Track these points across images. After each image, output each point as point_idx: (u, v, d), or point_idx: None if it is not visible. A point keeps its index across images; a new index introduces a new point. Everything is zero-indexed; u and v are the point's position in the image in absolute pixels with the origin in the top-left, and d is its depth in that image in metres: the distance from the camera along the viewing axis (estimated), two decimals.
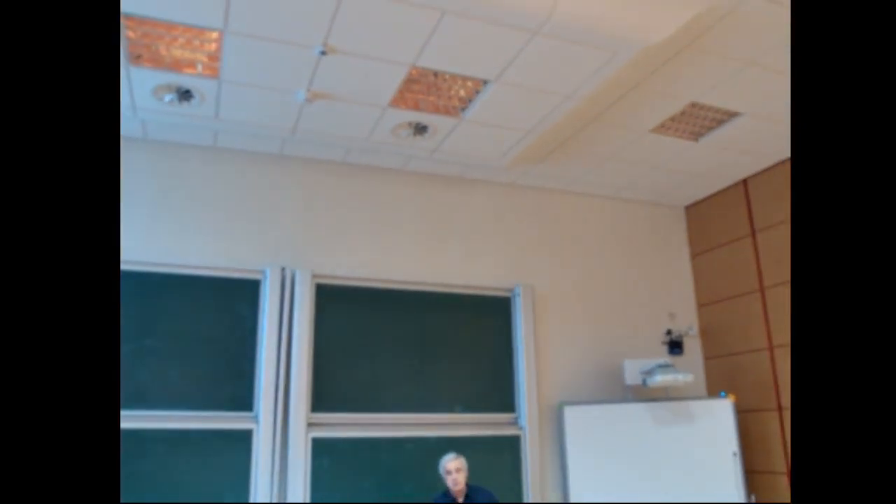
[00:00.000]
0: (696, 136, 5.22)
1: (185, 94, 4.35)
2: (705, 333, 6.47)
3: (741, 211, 6.15)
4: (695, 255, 6.68)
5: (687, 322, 6.31)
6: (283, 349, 4.96)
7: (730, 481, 5.44)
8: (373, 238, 5.56)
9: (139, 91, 4.29)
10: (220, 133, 5.01)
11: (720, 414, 5.66)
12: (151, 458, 4.51)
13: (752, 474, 5.72)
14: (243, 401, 4.84)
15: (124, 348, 4.59)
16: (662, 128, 5.09)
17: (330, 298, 5.22)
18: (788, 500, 5.52)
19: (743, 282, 6.07)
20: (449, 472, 4.33)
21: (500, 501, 4.46)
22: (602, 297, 6.22)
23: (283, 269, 5.11)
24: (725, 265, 6.29)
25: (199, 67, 4.07)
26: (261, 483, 4.68)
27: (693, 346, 6.35)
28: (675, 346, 6.02)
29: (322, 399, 5.00)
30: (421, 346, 5.43)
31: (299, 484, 4.77)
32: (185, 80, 4.21)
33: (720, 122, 5.01)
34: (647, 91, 4.57)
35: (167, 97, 4.36)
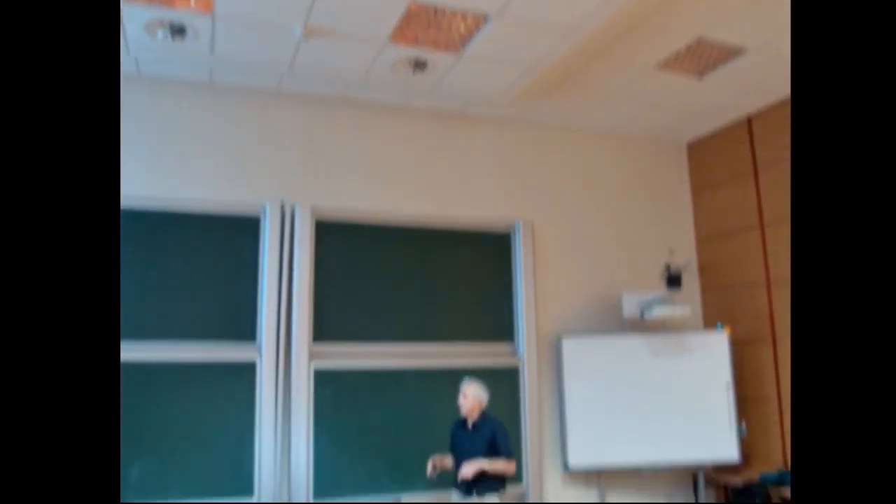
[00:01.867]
0: (700, 72, 5.12)
1: (178, 30, 4.26)
2: (704, 268, 6.51)
3: (744, 148, 6.09)
4: (696, 192, 6.65)
5: (686, 257, 6.34)
6: (285, 283, 5.02)
7: (722, 411, 5.59)
8: (373, 173, 5.54)
9: (131, 28, 4.20)
10: (215, 70, 4.93)
11: (715, 346, 5.76)
12: (157, 390, 4.63)
13: (744, 403, 5.86)
14: (246, 334, 4.93)
15: (126, 284, 4.62)
16: (667, 64, 4.99)
17: (330, 233, 5.25)
18: (778, 429, 5.68)
19: (743, 218, 6.07)
20: (459, 396, 4.48)
21: (503, 431, 4.53)
22: (602, 232, 6.24)
23: (282, 205, 5.12)
24: (726, 202, 6.27)
25: (192, 2, 3.97)
26: (265, 413, 4.81)
27: (691, 281, 6.40)
28: (674, 281, 6.06)
29: (323, 332, 5.09)
30: (421, 281, 5.49)
31: (302, 413, 4.90)
32: (177, 16, 4.11)
33: (726, 59, 4.90)
34: (652, 27, 4.46)
35: (160, 33, 4.27)
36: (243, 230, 5.05)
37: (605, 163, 6.38)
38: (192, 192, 4.98)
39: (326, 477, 4.89)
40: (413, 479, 4.99)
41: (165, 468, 4.54)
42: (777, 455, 5.66)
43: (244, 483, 4.69)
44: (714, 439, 5.54)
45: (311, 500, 4.78)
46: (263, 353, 4.88)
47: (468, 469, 4.21)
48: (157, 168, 4.94)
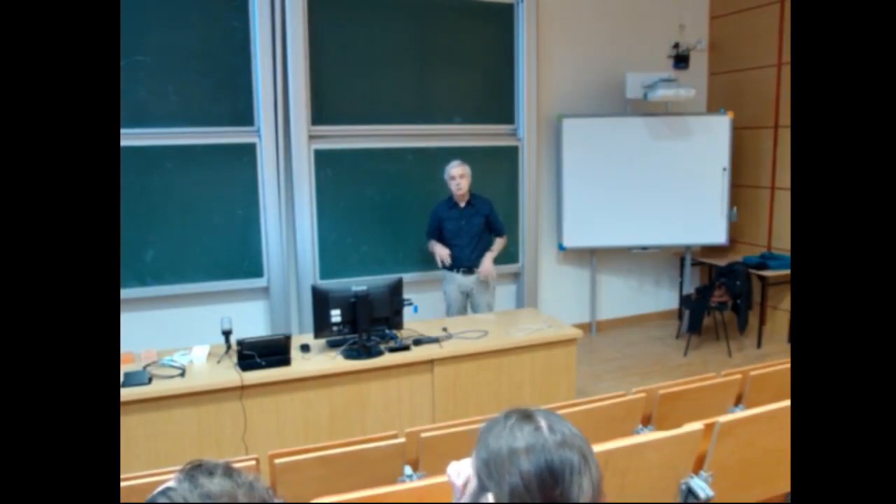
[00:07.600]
0: None
1: None
2: (714, 47, 6.26)
3: None
4: None
5: (697, 35, 6.04)
6: (279, 62, 4.80)
7: (716, 195, 5.71)
8: None
9: None
10: None
11: (717, 130, 5.73)
12: (160, 174, 4.62)
13: (738, 188, 5.98)
14: (244, 116, 4.82)
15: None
16: None
17: (324, 8, 4.90)
18: (767, 215, 5.87)
19: None
20: (452, 178, 4.46)
21: (496, 210, 4.65)
22: (610, 4, 5.88)
23: None
24: None
25: None
26: (269, 194, 4.86)
27: (699, 61, 6.18)
28: (681, 61, 5.86)
29: (322, 112, 4.98)
30: (420, 57, 5.27)
31: (305, 194, 4.96)
32: None
33: None
34: None
35: None
36: (230, 2, 4.70)
37: None
38: None
39: (331, 257, 5.07)
40: (412, 257, 5.20)
41: (177, 252, 4.68)
42: (763, 240, 5.91)
43: (253, 266, 4.87)
44: (705, 222, 5.73)
45: (318, 280, 5.00)
46: (263, 136, 4.80)
47: (489, 268, 4.49)
48: None
